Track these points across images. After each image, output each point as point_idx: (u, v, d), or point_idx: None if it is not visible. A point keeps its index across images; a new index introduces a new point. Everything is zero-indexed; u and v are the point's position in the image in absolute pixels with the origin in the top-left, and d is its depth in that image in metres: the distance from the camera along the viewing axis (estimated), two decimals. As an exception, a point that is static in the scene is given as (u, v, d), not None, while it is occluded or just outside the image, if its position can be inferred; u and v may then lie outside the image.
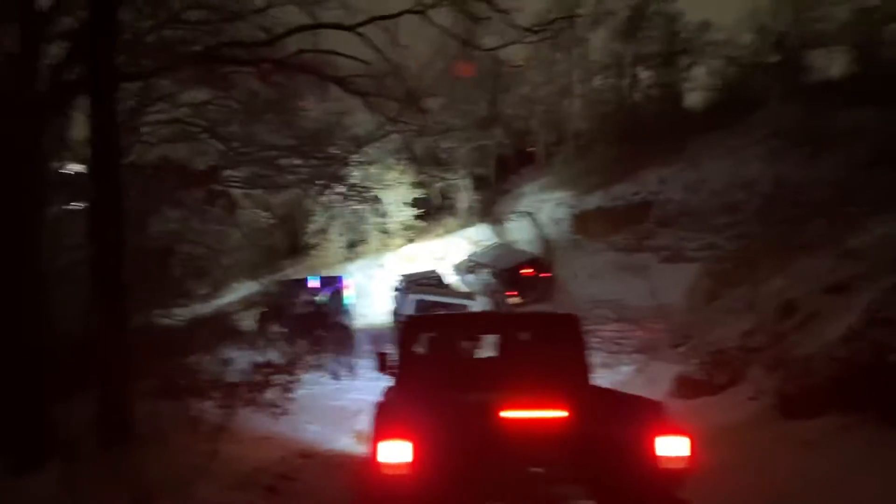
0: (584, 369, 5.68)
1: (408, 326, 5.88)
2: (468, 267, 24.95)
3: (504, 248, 26.86)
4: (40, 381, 7.27)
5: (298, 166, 16.14)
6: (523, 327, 5.97)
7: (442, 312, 14.29)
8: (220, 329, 15.92)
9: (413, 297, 14.70)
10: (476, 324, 6.23)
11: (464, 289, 22.25)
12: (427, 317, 7.12)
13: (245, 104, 14.98)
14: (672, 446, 4.00)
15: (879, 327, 6.69)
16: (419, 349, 5.80)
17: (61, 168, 11.88)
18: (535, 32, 9.95)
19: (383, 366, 7.26)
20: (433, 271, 23.68)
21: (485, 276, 23.78)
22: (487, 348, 6.17)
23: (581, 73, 34.31)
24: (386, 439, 4.05)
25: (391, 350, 14.69)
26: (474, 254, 26.04)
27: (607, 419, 4.25)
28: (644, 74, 33.24)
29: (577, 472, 3.98)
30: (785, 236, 10.57)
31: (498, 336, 5.91)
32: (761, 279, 9.32)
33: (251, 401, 8.89)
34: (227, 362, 9.78)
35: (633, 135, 28.97)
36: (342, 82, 10.34)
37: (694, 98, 31.70)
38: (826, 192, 20.22)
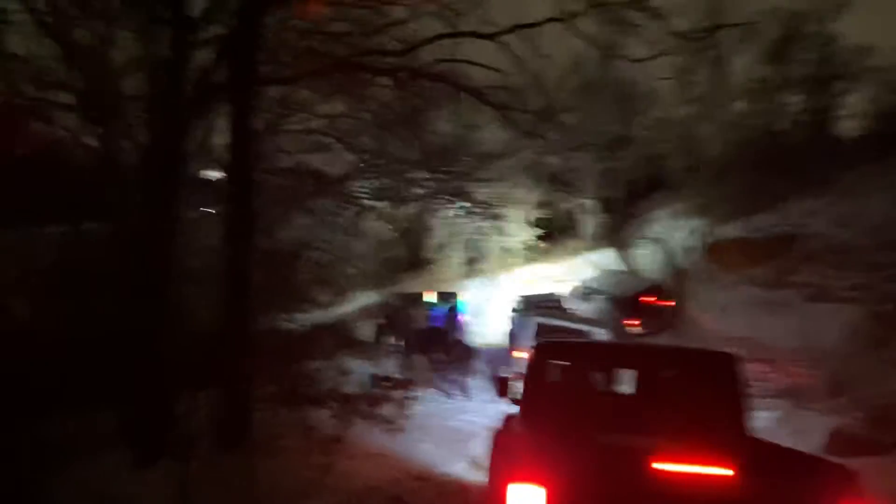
0: (741, 418, 4.99)
1: (539, 352, 5.40)
2: (583, 293, 24.07)
3: (623, 275, 25.84)
4: (170, 377, 7.35)
5: (425, 180, 16.09)
6: (670, 363, 5.32)
7: (565, 338, 13.67)
8: (340, 337, 16.05)
9: (535, 320, 14.14)
10: (615, 354, 5.63)
11: (585, 315, 21.43)
12: (561, 343, 6.58)
13: (377, 116, 15.10)
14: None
15: None
16: (549, 377, 5.30)
17: (201, 172, 12.32)
18: (690, 39, 9.25)
19: (504, 391, 6.82)
20: (553, 294, 22.99)
21: (601, 303, 22.85)
22: (627, 383, 5.58)
23: (722, 96, 32.66)
24: (518, 481, 3.59)
25: (511, 374, 14.25)
26: (590, 279, 25.12)
27: (779, 482, 3.57)
28: (792, 100, 31.21)
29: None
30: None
31: (638, 370, 5.31)
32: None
33: (368, 414, 8.69)
34: (346, 372, 9.64)
35: (776, 163, 27.11)
36: (478, 93, 10.06)
37: (847, 127, 29.32)
38: None
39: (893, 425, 7.77)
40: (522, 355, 13.85)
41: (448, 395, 14.70)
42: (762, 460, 4.07)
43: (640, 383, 5.31)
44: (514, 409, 7.13)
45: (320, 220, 14.40)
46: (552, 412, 5.03)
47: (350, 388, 9.19)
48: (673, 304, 23.95)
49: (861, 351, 10.98)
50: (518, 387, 6.93)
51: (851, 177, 24.12)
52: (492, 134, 24.66)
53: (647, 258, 27.84)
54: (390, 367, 14.53)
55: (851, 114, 30.15)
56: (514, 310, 23.10)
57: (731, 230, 25.62)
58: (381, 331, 20.30)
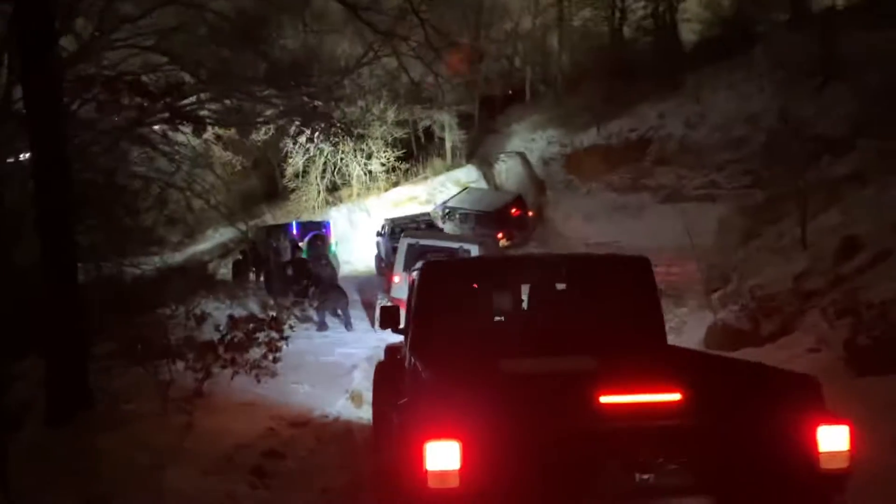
0: (662, 328, 4.51)
1: (426, 273, 4.60)
2: (448, 212, 23.64)
3: (485, 191, 25.67)
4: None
5: (275, 98, 14.63)
6: (579, 273, 4.69)
7: (439, 258, 13.07)
8: (194, 279, 14.66)
9: (405, 242, 13.40)
10: (514, 268, 4.91)
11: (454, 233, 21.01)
12: (450, 261, 5.81)
13: (214, 29, 13.42)
14: (834, 439, 2.83)
15: None
16: (440, 301, 4.55)
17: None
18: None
19: (388, 321, 6.05)
20: (419, 215, 22.36)
21: (464, 221, 22.52)
22: (533, 300, 4.92)
23: (568, 5, 32.59)
24: (437, 438, 2.77)
25: (390, 300, 13.49)
26: (454, 198, 24.70)
27: (737, 402, 3.00)
28: (636, 5, 31.61)
29: (701, 480, 2.83)
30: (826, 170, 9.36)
31: (543, 285, 4.67)
32: (811, 215, 8.15)
33: (231, 361, 7.68)
34: (202, 317, 8.49)
35: (626, 70, 27.52)
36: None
37: (690, 31, 30.09)
38: (837, 124, 19.20)
39: (774, 316, 7.78)
40: (397, 280, 13.17)
41: (323, 328, 13.83)
42: (713, 377, 3.53)
43: (547, 299, 4.69)
44: (396, 338, 6.45)
45: (158, 149, 12.73)
46: (449, 342, 4.33)
47: (208, 334, 8.07)
48: (535, 214, 24.10)
49: (732, 246, 11.13)
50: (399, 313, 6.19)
51: (697, 79, 24.84)
52: (343, 48, 23.16)
53: (507, 172, 27.74)
54: (253, 306, 13.40)
55: (692, 18, 30.97)
56: (379, 234, 22.36)
57: (588, 138, 25.91)
58: (239, 268, 18.92)
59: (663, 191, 23.37)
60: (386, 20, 11.11)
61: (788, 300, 7.68)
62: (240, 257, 19.52)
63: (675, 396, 2.81)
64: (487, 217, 21.85)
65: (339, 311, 14.08)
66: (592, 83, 27.59)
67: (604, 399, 2.80)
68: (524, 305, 4.64)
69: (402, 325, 6.13)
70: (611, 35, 31.07)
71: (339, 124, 18.06)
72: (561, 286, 4.67)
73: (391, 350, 6.85)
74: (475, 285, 4.66)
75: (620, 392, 2.83)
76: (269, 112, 16.39)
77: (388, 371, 6.19)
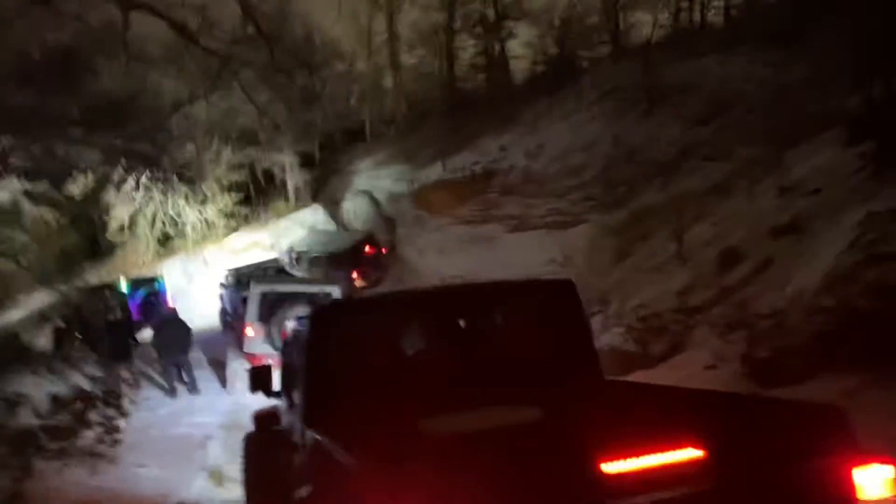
0: (596, 361, 3.90)
1: (320, 319, 3.65)
2: (293, 258, 22.46)
3: (333, 232, 24.82)
4: None
5: (94, 139, 13.03)
6: (500, 303, 3.97)
7: (295, 305, 11.98)
8: (6, 353, 12.52)
9: (258, 290, 12.19)
10: (423, 303, 4.06)
11: (308, 277, 19.84)
12: (347, 302, 4.86)
13: (21, 62, 11.77)
14: (874, 482, 2.29)
15: (877, 264, 5.55)
16: (335, 352, 3.67)
17: None
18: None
19: (259, 383, 5.06)
20: (266, 262, 21.00)
21: (315, 264, 21.49)
22: (446, 339, 4.11)
23: (401, 45, 32.86)
24: None
25: (263, 358, 12.10)
26: (301, 240, 23.57)
27: (758, 450, 2.33)
28: (465, 44, 32.43)
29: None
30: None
31: (460, 318, 3.91)
32: (682, 228, 8.07)
33: (59, 452, 6.25)
34: (16, 399, 6.95)
35: (464, 105, 27.95)
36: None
37: (520, 67, 31.23)
38: (664, 148, 20.38)
39: (661, 335, 7.55)
40: (251, 333, 11.91)
41: (170, 393, 12.20)
42: (713, 420, 2.85)
43: (463, 336, 3.93)
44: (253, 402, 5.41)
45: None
46: (357, 404, 3.45)
47: (25, 419, 6.58)
48: (386, 251, 23.51)
49: (605, 267, 11.02)
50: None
51: (532, 112, 25.57)
52: (169, 86, 21.48)
53: (356, 212, 27.00)
54: (81, 379, 11.55)
55: (519, 55, 32.20)
56: (222, 285, 20.73)
57: (434, 173, 25.78)
58: (62, 335, 16.58)
59: (512, 220, 23.58)
60: (222, 47, 10.09)
61: (674, 318, 7.50)
62: (62, 324, 17.15)
63: (697, 454, 2.17)
64: (340, 258, 20.93)
65: (183, 372, 12.52)
66: (432, 119, 27.71)
67: (607, 467, 2.09)
68: (437, 346, 3.87)
69: (275, 388, 5.16)
70: (443, 73, 31.55)
71: (167, 167, 16.56)
72: (476, 319, 3.95)
73: (263, 419, 5.81)
74: (377, 328, 3.82)
75: (622, 454, 2.13)
76: (88, 159, 14.66)
77: (266, 446, 5.18)
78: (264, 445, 5.35)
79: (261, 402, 10.94)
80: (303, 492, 3.07)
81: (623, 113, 22.77)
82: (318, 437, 3.20)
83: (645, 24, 26.74)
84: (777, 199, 7.63)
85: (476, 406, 3.41)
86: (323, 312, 3.78)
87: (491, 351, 3.86)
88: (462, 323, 3.95)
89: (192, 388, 12.32)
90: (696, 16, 26.61)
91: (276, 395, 5.07)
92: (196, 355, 15.50)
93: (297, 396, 4.04)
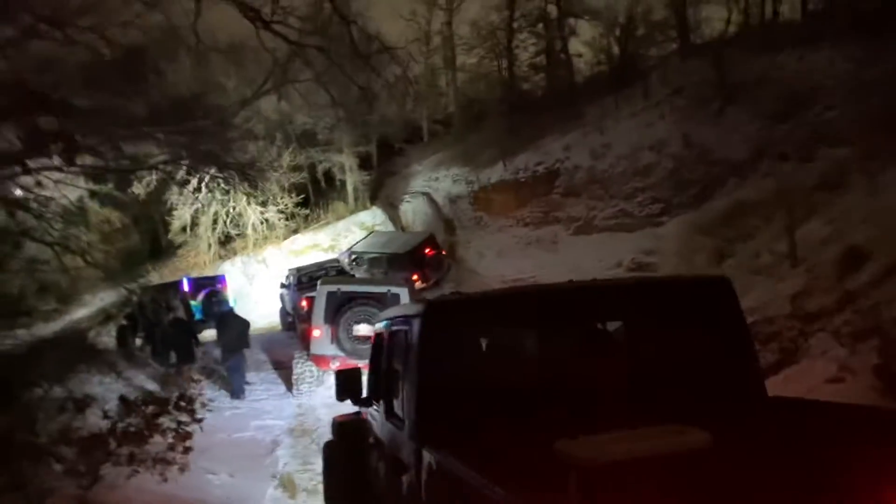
0: (759, 375, 3.30)
1: (433, 317, 3.13)
2: (352, 259, 22.16)
3: (389, 234, 24.50)
4: None
5: (160, 136, 12.84)
6: (644, 304, 3.38)
7: (366, 306, 11.56)
8: (72, 351, 12.44)
9: (326, 289, 11.81)
10: (561, 303, 3.42)
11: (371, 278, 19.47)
12: (473, 298, 4.34)
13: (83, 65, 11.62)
14: None
15: None
16: (455, 357, 3.13)
17: None
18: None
19: (347, 389, 4.59)
20: (327, 262, 20.75)
21: (374, 265, 21.12)
22: (577, 346, 3.55)
23: (460, 45, 32.41)
24: None
25: (309, 359, 11.69)
26: (355, 244, 23.29)
27: None
28: (527, 42, 31.76)
29: None
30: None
31: (595, 323, 3.35)
32: (794, 225, 7.30)
33: (129, 458, 5.90)
34: (84, 400, 6.64)
35: (524, 106, 27.29)
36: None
37: (583, 64, 30.39)
38: (737, 147, 19.43)
39: (766, 343, 6.81)
40: (318, 333, 11.54)
41: (237, 395, 11.93)
42: None
43: (604, 341, 3.37)
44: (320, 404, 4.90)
45: (22, 206, 10.74)
46: (477, 418, 2.92)
47: (94, 422, 6.26)
48: (445, 253, 23.03)
49: (702, 268, 10.26)
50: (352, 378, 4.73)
51: (596, 110, 24.76)
52: (231, 84, 21.44)
53: (414, 213, 26.63)
54: (146, 380, 11.37)
55: (581, 53, 31.36)
56: (283, 285, 20.63)
57: (495, 174, 25.22)
58: (125, 333, 16.57)
59: (575, 222, 22.89)
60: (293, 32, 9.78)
61: (788, 324, 6.77)
62: (125, 322, 17.16)
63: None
64: (400, 259, 20.53)
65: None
66: (492, 120, 27.14)
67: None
68: (569, 352, 3.32)
69: (364, 395, 4.68)
70: (503, 72, 30.95)
71: (232, 165, 16.35)
72: (614, 322, 3.38)
73: (345, 427, 5.34)
74: (500, 330, 3.28)
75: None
76: (153, 158, 14.54)
77: (354, 458, 4.71)
78: (351, 457, 4.87)
79: (329, 407, 10.56)
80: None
81: (693, 111, 21.80)
82: (438, 458, 2.69)
83: (715, 20, 25.69)
84: (908, 193, 6.89)
85: (619, 426, 2.83)
86: (438, 309, 3.25)
87: (633, 360, 3.29)
88: (599, 326, 3.38)
89: (241, 391, 11.97)
90: (769, 9, 25.39)
91: (366, 402, 4.59)
92: (259, 357, 15.31)
93: (399, 406, 3.54)
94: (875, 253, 6.46)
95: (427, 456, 2.83)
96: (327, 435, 9.18)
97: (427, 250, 21.55)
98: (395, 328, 3.86)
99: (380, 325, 4.74)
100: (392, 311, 4.52)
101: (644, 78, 24.63)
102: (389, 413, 3.77)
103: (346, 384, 4.61)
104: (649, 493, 1.78)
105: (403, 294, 11.57)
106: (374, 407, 4.34)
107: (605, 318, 3.36)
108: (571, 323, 3.31)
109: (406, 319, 3.45)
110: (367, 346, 5.03)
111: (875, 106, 14.16)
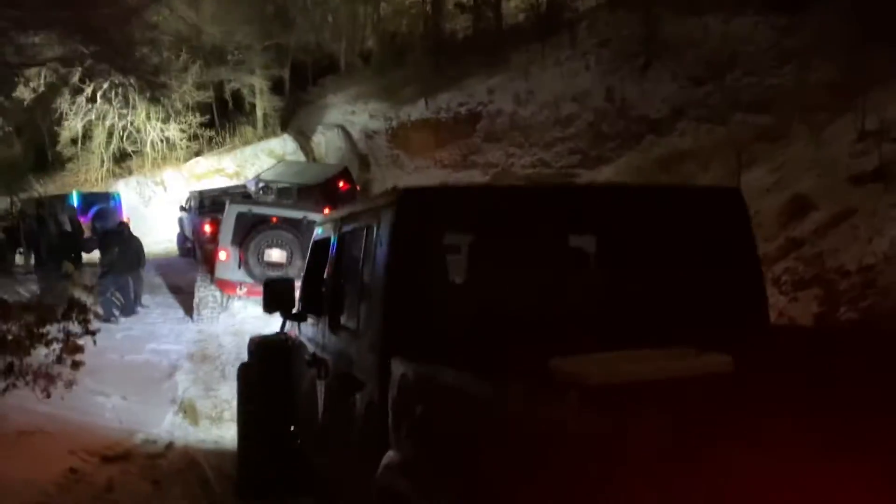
0: (764, 300, 2.95)
1: (411, 209, 2.57)
2: (259, 188, 21.05)
3: (301, 164, 23.43)
4: None
5: (49, 39, 11.50)
6: (647, 212, 2.85)
7: (278, 230, 10.80)
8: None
9: (235, 209, 10.93)
10: (557, 204, 2.89)
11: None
12: (458, 189, 3.68)
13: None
14: None
15: None
16: (434, 259, 2.58)
17: None
18: None
19: (278, 300, 4.03)
20: (241, 187, 19.58)
21: (283, 195, 20.12)
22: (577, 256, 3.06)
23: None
24: None
25: (213, 284, 10.89)
26: (263, 174, 22.11)
27: None
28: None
29: None
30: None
31: (599, 231, 2.87)
32: (727, 175, 7.16)
33: (6, 370, 5.11)
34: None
35: (449, 45, 26.49)
36: None
37: (512, 8, 29.70)
38: (658, 105, 19.61)
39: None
40: (224, 257, 10.72)
41: (125, 311, 11.01)
42: None
43: (600, 250, 2.90)
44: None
45: None
46: (459, 331, 2.42)
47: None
48: (360, 190, 22.26)
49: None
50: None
51: (522, 56, 24.29)
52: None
53: (327, 145, 25.58)
54: (24, 294, 10.27)
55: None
56: (183, 209, 19.35)
57: (415, 112, 24.44)
58: (2, 248, 15.05)
59: (493, 168, 22.58)
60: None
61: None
62: (2, 237, 15.58)
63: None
64: (311, 191, 19.58)
65: (132, 289, 11.33)
66: (415, 57, 26.22)
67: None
68: (561, 260, 2.85)
69: (297, 308, 4.11)
70: (428, 9, 29.91)
71: (134, 71, 14.96)
72: (613, 230, 2.90)
73: (267, 346, 4.77)
74: (487, 230, 2.74)
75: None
76: (42, 56, 13.06)
77: (278, 383, 4.19)
78: (275, 379, 4.32)
79: (234, 335, 9.85)
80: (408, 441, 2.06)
81: (618, 65, 21.70)
82: (416, 369, 2.19)
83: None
84: (856, 144, 6.81)
85: (619, 346, 2.41)
86: (415, 199, 2.68)
87: (640, 275, 2.86)
88: (595, 233, 2.93)
89: (131, 309, 11.09)
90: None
91: (299, 316, 4.02)
92: (155, 281, 14.28)
93: (352, 318, 3.00)
94: (821, 202, 6.39)
95: (398, 367, 2.33)
96: (233, 362, 8.61)
97: (341, 184, 20.69)
98: (348, 228, 3.30)
99: (319, 232, 4.16)
100: (341, 212, 3.94)
101: (572, 27, 24.31)
102: (336, 326, 3.23)
103: (276, 296, 4.03)
104: (669, 423, 1.36)
105: (314, 220, 10.88)
106: (312, 321, 3.79)
107: (605, 225, 2.91)
108: (573, 228, 2.84)
109: (370, 214, 2.88)
110: (279, 274, 4.47)
111: (791, 75, 14.48)
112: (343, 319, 3.18)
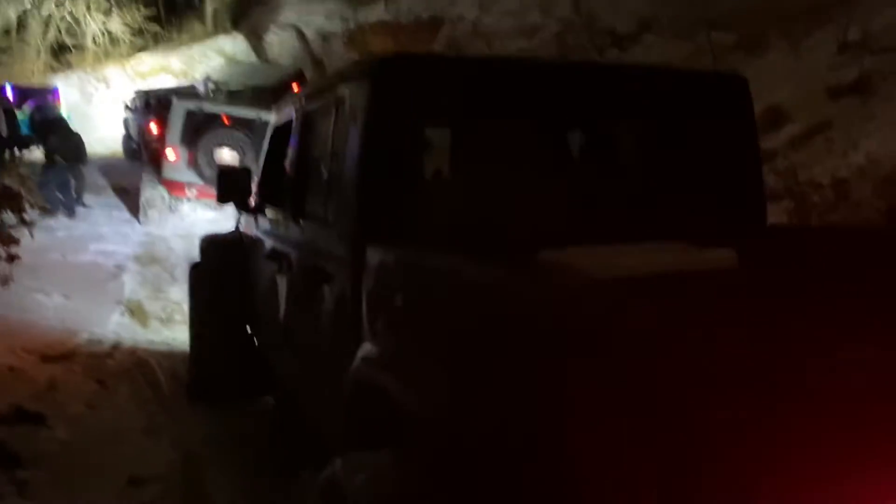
0: (763, 199, 2.75)
1: (388, 74, 2.27)
2: (209, 88, 20.02)
3: (252, 65, 22.39)
4: None
5: None
6: (642, 95, 2.52)
7: (230, 130, 10.26)
8: None
9: (183, 107, 10.30)
10: (546, 81, 2.53)
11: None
12: (439, 59, 3.35)
13: None
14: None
15: None
16: (414, 136, 2.28)
17: None
18: None
19: (233, 189, 3.74)
20: (191, 87, 18.60)
21: (234, 98, 19.22)
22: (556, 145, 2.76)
23: None
24: None
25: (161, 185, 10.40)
26: (210, 73, 21.01)
27: None
28: None
29: None
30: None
31: (585, 109, 2.57)
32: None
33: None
34: None
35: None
36: None
37: None
38: (625, 19, 19.11)
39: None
40: (172, 157, 10.20)
41: (68, 212, 10.46)
42: None
43: (590, 135, 2.62)
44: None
45: None
46: (439, 217, 2.17)
47: None
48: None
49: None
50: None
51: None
52: None
53: (280, 47, 24.41)
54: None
55: None
56: (128, 108, 18.45)
57: (374, 14, 23.40)
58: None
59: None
60: None
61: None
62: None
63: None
64: (265, 93, 18.75)
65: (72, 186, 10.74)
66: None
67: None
68: (547, 144, 2.58)
69: (255, 200, 3.81)
70: None
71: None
72: (604, 113, 2.63)
73: (220, 244, 4.48)
74: (470, 105, 2.42)
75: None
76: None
77: (233, 281, 3.94)
78: (230, 277, 4.06)
79: (183, 238, 9.46)
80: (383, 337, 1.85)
81: (587, -27, 21.06)
82: (397, 255, 1.96)
83: None
84: (836, 56, 6.63)
85: (611, 241, 2.21)
86: (394, 67, 2.34)
87: (637, 166, 2.63)
88: (586, 115, 2.66)
89: (72, 209, 10.54)
90: None
91: (256, 209, 3.73)
92: (99, 182, 13.64)
93: (320, 205, 2.72)
94: (796, 114, 6.23)
95: (375, 256, 2.08)
96: (182, 264, 8.27)
97: (294, 87, 19.88)
98: (313, 107, 2.97)
99: (278, 117, 3.81)
100: (308, 89, 3.60)
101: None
102: (300, 216, 2.95)
103: (232, 185, 3.70)
104: (673, 320, 1.17)
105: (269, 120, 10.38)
106: (271, 214, 3.49)
107: (596, 107, 2.63)
108: (551, 108, 2.55)
109: (340, 87, 2.56)
110: None
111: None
112: (308, 209, 2.91)
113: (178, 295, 6.83)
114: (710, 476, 0.96)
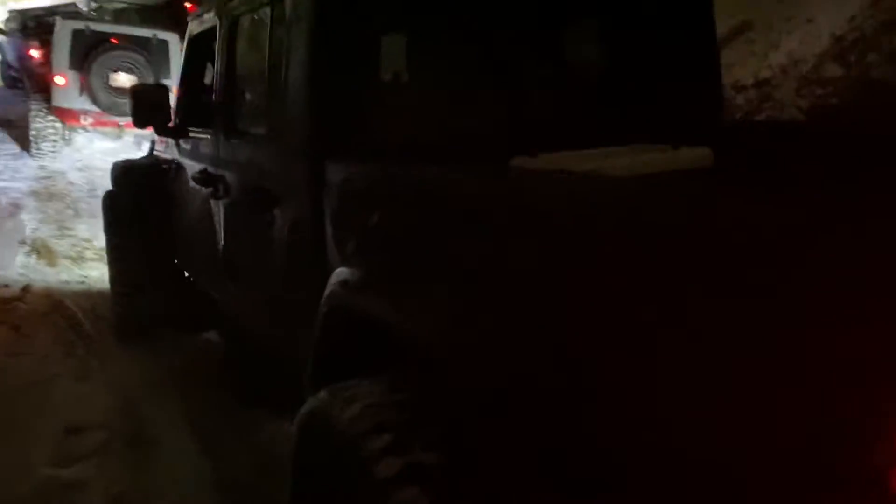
0: (721, 93, 2.68)
1: None
2: (91, 7, 18.43)
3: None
4: None
5: None
6: None
7: (123, 51, 9.48)
8: None
9: (70, 27, 9.35)
10: None
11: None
12: None
13: None
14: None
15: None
16: (365, 40, 2.06)
17: None
18: None
19: (151, 112, 3.43)
20: (71, 5, 17.04)
21: (120, 18, 17.82)
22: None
23: None
24: None
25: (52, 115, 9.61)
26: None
27: None
28: None
29: None
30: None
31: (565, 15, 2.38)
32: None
33: None
34: None
35: None
36: None
37: None
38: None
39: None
40: (62, 82, 9.38)
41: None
42: None
43: (546, 33, 2.44)
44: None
45: None
46: (397, 128, 1.99)
47: None
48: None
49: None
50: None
51: None
52: None
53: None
54: None
55: None
56: (2, 31, 16.86)
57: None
58: None
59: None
60: None
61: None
62: None
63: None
64: (154, 12, 17.43)
65: None
66: None
67: None
68: (504, 46, 2.40)
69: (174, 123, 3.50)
70: None
71: None
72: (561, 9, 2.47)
73: (136, 170, 4.14)
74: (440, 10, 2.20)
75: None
76: None
77: (155, 209, 3.66)
78: (153, 205, 3.76)
79: (82, 171, 8.85)
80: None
81: None
82: (368, 171, 1.79)
83: None
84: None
85: (578, 145, 2.12)
86: None
87: (600, 69, 2.50)
88: (551, 13, 2.49)
89: None
90: None
91: (177, 131, 3.41)
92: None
93: (259, 122, 2.47)
94: (716, 16, 6.20)
95: (338, 173, 1.90)
96: (86, 199, 7.75)
97: (188, 5, 18.51)
98: (241, 10, 2.66)
99: (195, 27, 3.44)
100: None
101: None
102: (234, 134, 2.69)
103: (148, 106, 3.36)
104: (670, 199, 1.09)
105: (173, 41, 9.67)
106: (196, 135, 3.19)
107: (578, 4, 2.48)
108: (538, 8, 2.37)
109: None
110: (127, 101, 3.79)
111: None
112: (245, 126, 2.65)
113: (87, 231, 6.40)
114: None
